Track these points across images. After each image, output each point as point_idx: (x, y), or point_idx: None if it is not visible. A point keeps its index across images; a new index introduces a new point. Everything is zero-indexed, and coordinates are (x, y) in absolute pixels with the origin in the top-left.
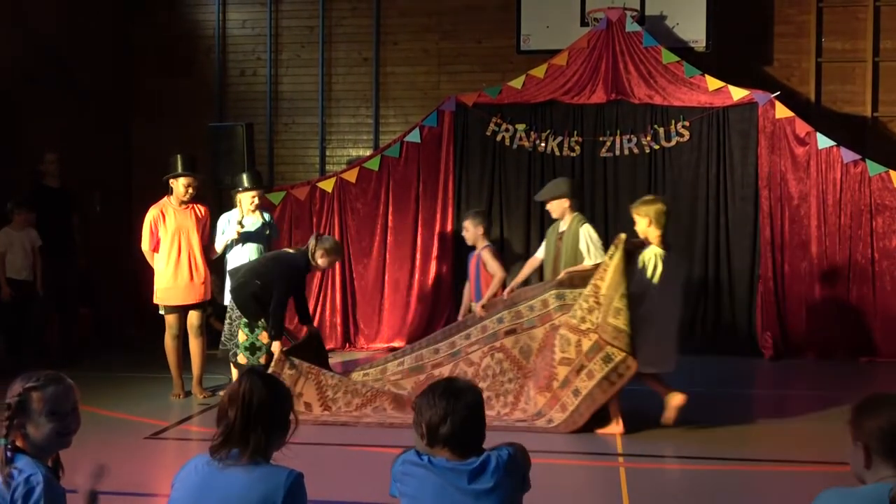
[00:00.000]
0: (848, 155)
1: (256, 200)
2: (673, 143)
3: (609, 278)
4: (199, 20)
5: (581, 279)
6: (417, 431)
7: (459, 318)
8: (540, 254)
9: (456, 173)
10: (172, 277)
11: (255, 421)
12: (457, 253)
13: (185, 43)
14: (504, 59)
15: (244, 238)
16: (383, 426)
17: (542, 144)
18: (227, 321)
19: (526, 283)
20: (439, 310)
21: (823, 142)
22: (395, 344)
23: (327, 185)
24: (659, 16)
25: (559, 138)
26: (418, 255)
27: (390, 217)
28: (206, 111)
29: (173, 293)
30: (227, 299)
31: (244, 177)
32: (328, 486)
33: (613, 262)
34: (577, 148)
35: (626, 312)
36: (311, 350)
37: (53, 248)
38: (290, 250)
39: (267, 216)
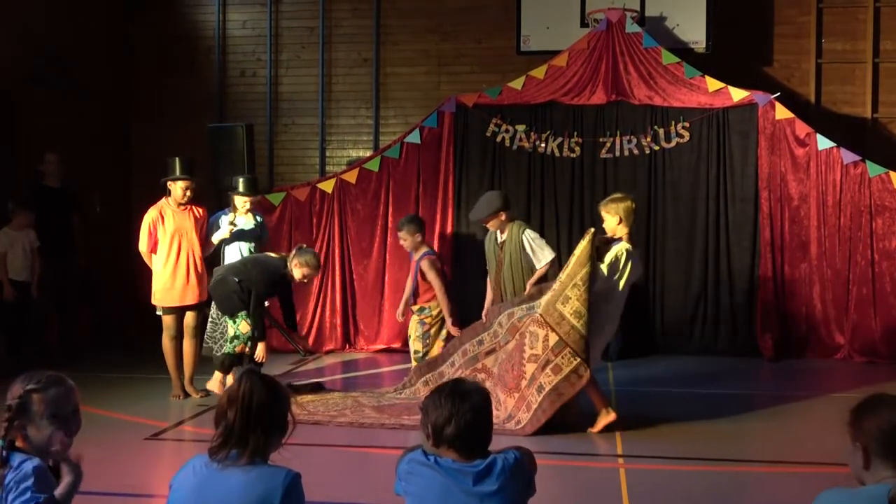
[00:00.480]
0: (848, 156)
1: (248, 205)
2: (673, 144)
3: (570, 267)
4: (199, 20)
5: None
6: (424, 432)
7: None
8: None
9: (456, 174)
10: (171, 278)
11: (255, 422)
12: (457, 254)
13: (185, 43)
14: (504, 60)
15: (237, 236)
16: (353, 426)
17: (542, 145)
18: (210, 320)
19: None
20: None
21: (823, 143)
22: (395, 345)
23: (327, 186)
24: (659, 17)
25: (559, 139)
26: None
27: (390, 218)
28: (206, 112)
29: (171, 294)
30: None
31: (240, 181)
32: (326, 486)
33: (578, 251)
34: (577, 149)
35: (586, 314)
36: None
37: (53, 249)
38: (273, 255)
39: (259, 218)
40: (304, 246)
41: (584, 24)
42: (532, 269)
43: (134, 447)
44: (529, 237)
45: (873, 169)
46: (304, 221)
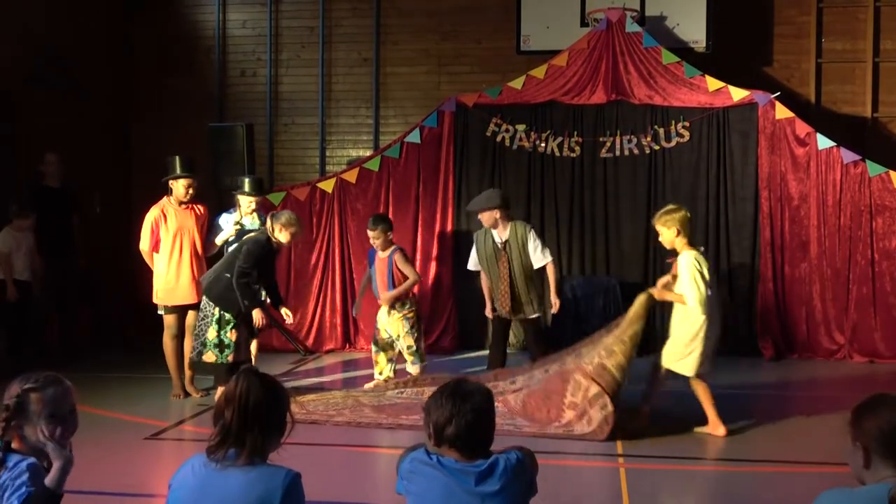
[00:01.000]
0: (848, 155)
1: (253, 206)
2: (673, 143)
3: (622, 325)
4: (199, 20)
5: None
6: (426, 431)
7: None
8: (472, 265)
9: (456, 174)
10: (174, 278)
11: (253, 421)
12: (457, 253)
13: (185, 43)
14: (504, 60)
15: (241, 236)
16: (350, 425)
17: (542, 145)
18: (196, 321)
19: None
20: (439, 310)
21: (823, 142)
22: None
23: (327, 186)
24: (659, 16)
25: (559, 139)
26: (418, 256)
27: (390, 218)
28: (206, 111)
29: (174, 293)
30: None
31: (245, 181)
32: (326, 486)
33: (632, 310)
34: (577, 148)
35: (627, 367)
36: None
37: (53, 249)
38: (252, 233)
39: (262, 218)
40: (276, 212)
41: (584, 24)
42: (531, 267)
43: (134, 447)
44: (535, 236)
45: (873, 168)
46: (304, 221)
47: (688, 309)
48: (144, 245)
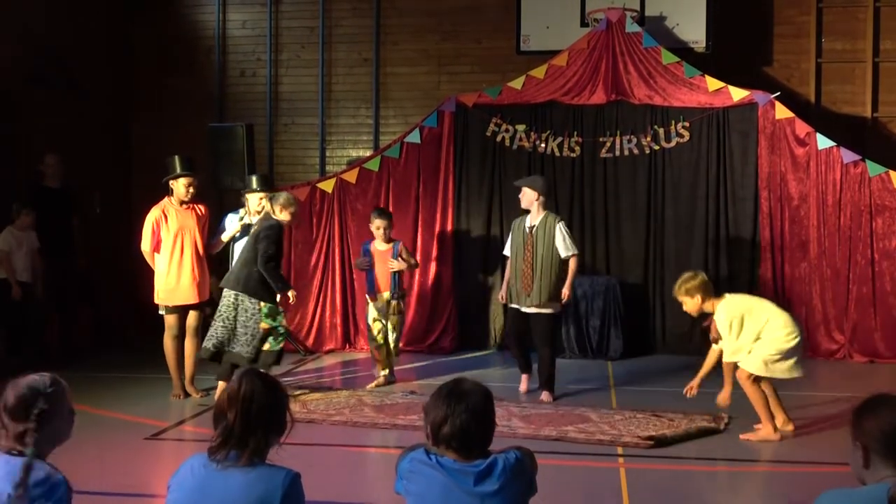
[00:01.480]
0: (848, 155)
1: (262, 202)
2: (673, 143)
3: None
4: (199, 20)
5: None
6: (425, 431)
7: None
8: (507, 251)
9: (456, 174)
10: (175, 278)
11: (255, 424)
12: (457, 253)
13: (185, 43)
14: (504, 60)
15: (246, 232)
16: (347, 425)
17: (542, 145)
18: (222, 324)
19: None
20: (439, 310)
21: (823, 142)
22: None
23: (327, 186)
24: (659, 16)
25: (559, 139)
26: (418, 256)
27: None
28: (206, 111)
29: (175, 294)
30: (225, 302)
31: (253, 179)
32: (325, 486)
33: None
34: (577, 148)
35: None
36: None
37: (53, 249)
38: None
39: None
40: (271, 195)
41: (584, 24)
42: (558, 257)
43: (134, 447)
44: (563, 228)
45: (873, 168)
46: (304, 221)
47: (770, 328)
48: (145, 245)
